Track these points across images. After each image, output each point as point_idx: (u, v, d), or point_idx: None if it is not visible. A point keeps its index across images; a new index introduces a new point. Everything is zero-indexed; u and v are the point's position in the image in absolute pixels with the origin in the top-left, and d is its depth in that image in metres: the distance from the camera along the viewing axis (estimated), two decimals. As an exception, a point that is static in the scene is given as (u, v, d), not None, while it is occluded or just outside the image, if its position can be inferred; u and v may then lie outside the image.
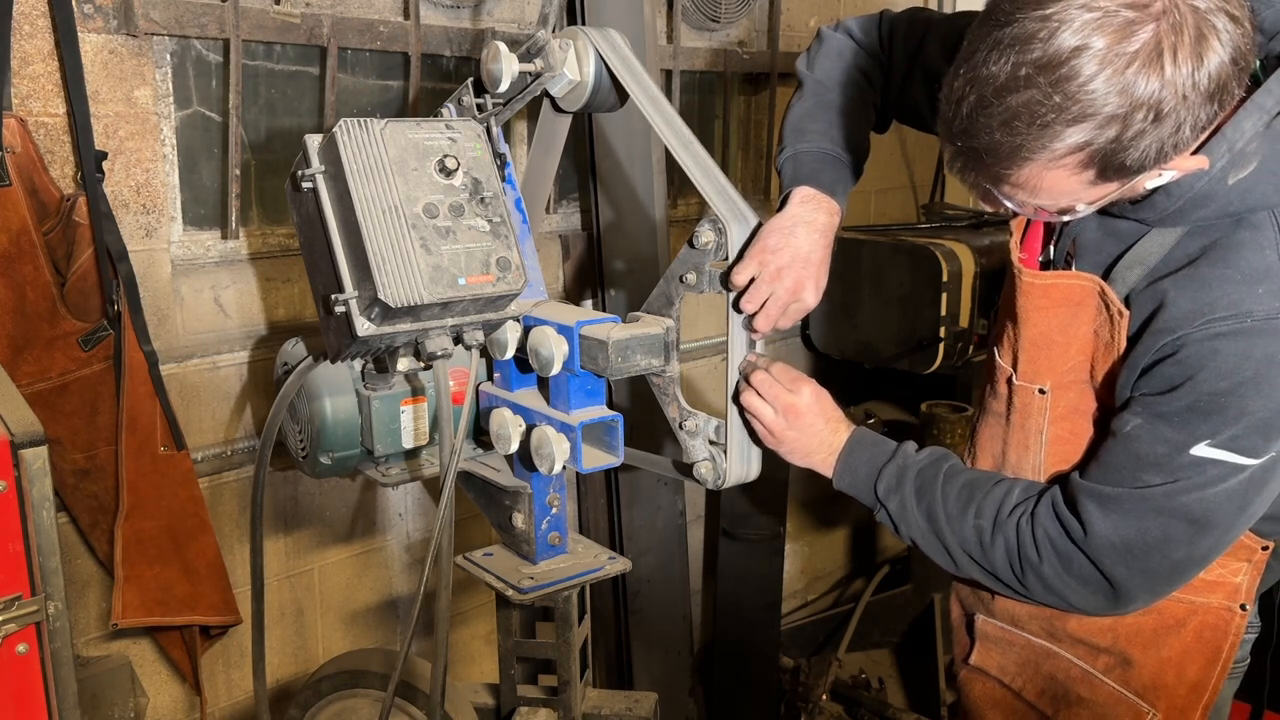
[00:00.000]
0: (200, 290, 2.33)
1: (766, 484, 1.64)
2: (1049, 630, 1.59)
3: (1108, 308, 1.36)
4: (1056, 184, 1.18)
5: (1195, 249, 1.29)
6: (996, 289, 1.63)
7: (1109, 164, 1.14)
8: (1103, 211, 1.36)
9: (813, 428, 1.53)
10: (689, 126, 1.55)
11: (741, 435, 1.56)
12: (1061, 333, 1.44)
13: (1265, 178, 1.23)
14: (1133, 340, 1.33)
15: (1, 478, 1.20)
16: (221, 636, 2.39)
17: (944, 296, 3.07)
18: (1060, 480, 1.42)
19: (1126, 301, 1.34)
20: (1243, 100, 1.21)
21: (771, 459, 1.59)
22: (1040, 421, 1.49)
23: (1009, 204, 1.26)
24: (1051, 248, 1.50)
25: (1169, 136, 1.12)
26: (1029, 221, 1.52)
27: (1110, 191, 1.20)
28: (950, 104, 1.18)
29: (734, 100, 3.51)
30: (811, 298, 1.49)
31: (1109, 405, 1.40)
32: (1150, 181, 1.22)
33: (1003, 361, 1.56)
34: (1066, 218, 1.29)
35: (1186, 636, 1.49)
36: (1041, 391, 1.48)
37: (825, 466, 1.56)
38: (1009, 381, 1.54)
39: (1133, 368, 1.32)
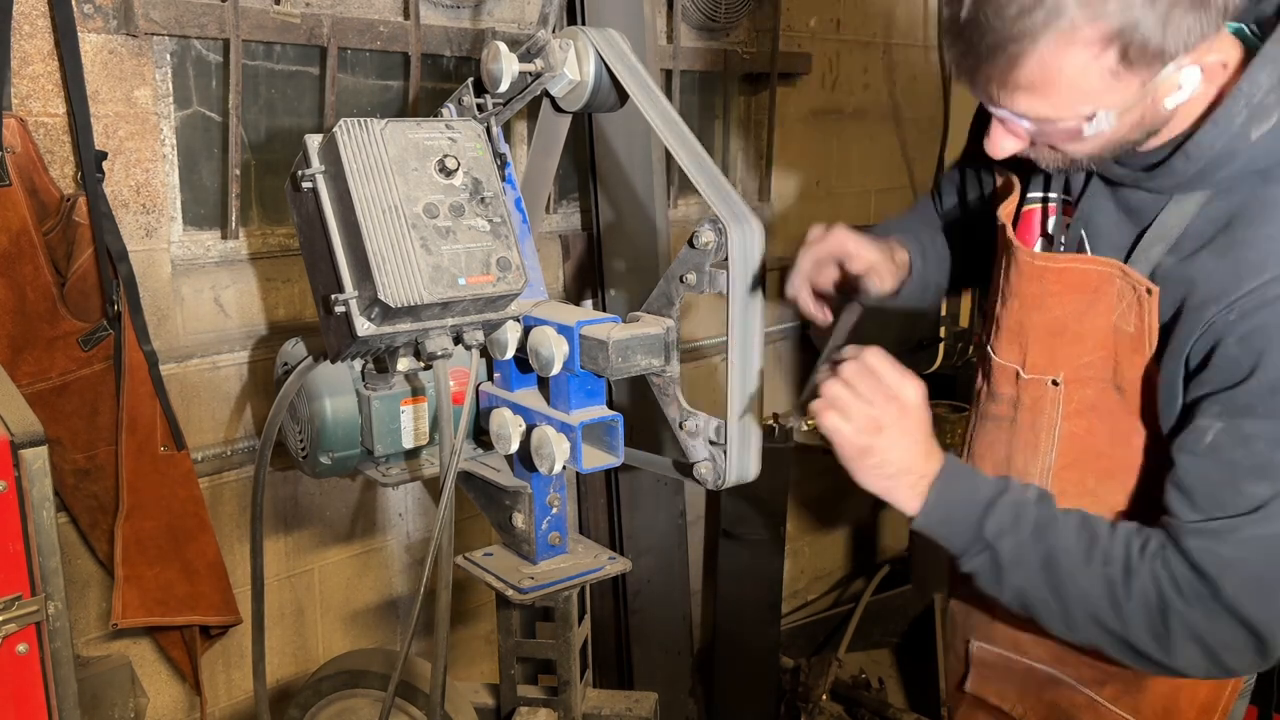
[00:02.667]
0: (200, 290, 2.33)
1: (766, 484, 1.63)
2: (1055, 654, 1.48)
3: (1134, 289, 1.26)
4: (1073, 75, 1.09)
5: (1222, 215, 1.20)
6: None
7: (1131, 41, 1.06)
8: (1114, 183, 1.31)
9: (913, 436, 1.27)
10: (689, 126, 1.55)
11: (742, 436, 1.55)
12: (1077, 321, 1.35)
13: None
14: (1168, 328, 1.24)
15: (1, 478, 1.20)
16: (221, 636, 2.39)
17: (944, 296, 3.06)
18: (1162, 527, 1.24)
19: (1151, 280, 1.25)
20: (1249, 56, 1.17)
21: (770, 460, 1.58)
22: (1054, 416, 1.40)
23: (1016, 123, 1.19)
24: (1061, 237, 1.43)
25: (1201, 10, 1.05)
26: (1018, 214, 1.47)
27: (1132, 93, 1.12)
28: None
29: (734, 100, 3.51)
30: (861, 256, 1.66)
31: (1143, 411, 1.30)
32: (1170, 98, 1.15)
33: (1004, 359, 1.48)
34: (1074, 149, 1.20)
35: None
36: (1055, 383, 1.39)
37: (911, 494, 1.29)
38: (1015, 378, 1.46)
39: (1176, 356, 1.21)
